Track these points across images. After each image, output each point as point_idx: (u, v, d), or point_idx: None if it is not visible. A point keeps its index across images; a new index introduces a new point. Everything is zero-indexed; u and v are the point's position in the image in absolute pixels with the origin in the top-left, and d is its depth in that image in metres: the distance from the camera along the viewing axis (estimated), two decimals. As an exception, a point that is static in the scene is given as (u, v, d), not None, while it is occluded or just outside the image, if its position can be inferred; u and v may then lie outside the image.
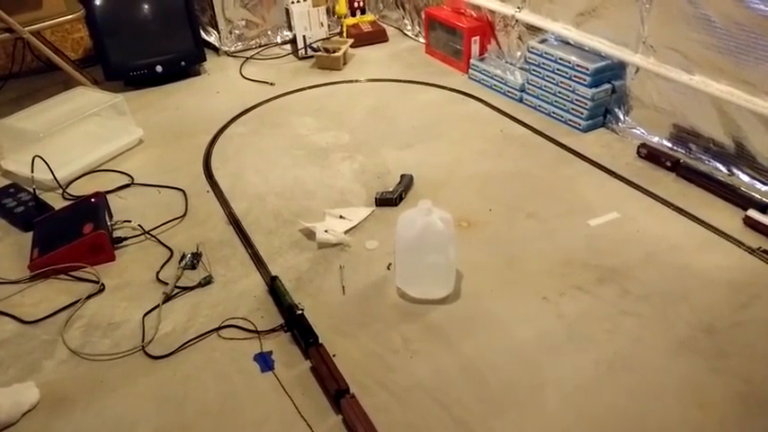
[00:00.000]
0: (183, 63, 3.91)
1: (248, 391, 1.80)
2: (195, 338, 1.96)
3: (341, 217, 2.57)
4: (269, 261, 2.32)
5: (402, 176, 2.81)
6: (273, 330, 1.99)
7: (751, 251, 2.33)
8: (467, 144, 3.15)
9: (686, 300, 2.11)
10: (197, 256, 2.30)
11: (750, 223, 2.45)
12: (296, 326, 1.95)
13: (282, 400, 1.76)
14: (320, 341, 1.90)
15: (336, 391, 1.72)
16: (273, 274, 2.22)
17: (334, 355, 1.88)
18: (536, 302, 2.13)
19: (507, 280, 2.24)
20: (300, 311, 2.00)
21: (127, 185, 2.81)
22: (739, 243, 2.37)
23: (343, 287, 2.20)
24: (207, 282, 2.19)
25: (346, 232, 2.47)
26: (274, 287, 2.12)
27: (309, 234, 2.45)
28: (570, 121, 3.28)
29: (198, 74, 4.06)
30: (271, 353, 1.92)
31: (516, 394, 1.79)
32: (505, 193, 2.74)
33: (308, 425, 1.68)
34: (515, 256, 2.35)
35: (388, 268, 2.27)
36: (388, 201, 2.64)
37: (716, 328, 1.99)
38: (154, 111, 3.56)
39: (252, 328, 2.00)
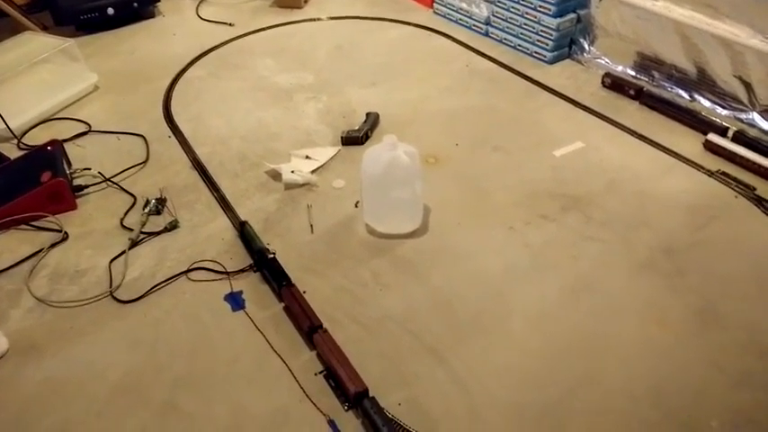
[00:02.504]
0: (135, 4, 3.73)
1: (220, 330, 1.81)
2: (164, 282, 1.95)
3: (307, 157, 2.54)
4: (236, 204, 2.29)
5: (368, 115, 2.77)
6: (243, 271, 2.00)
7: (710, 174, 2.38)
8: (433, 80, 3.10)
9: (647, 224, 2.17)
10: (161, 201, 2.27)
11: (710, 147, 2.49)
12: (267, 269, 1.95)
13: (255, 338, 1.78)
14: (292, 282, 1.91)
15: (310, 328, 1.74)
16: (242, 218, 2.21)
17: (304, 292, 1.90)
18: (503, 233, 2.16)
19: (474, 213, 2.26)
20: (272, 255, 1.99)
21: (84, 133, 2.73)
22: (699, 167, 2.42)
23: (312, 226, 2.19)
24: (173, 226, 2.17)
25: (313, 172, 2.44)
26: (244, 232, 2.11)
27: (276, 175, 2.43)
28: (536, 53, 3.25)
29: (152, 16, 3.88)
30: (241, 292, 1.93)
31: (484, 321, 1.84)
32: (472, 127, 2.73)
33: (282, 360, 1.71)
34: (482, 189, 2.37)
35: (356, 206, 2.27)
36: (354, 139, 2.62)
37: (675, 249, 2.06)
38: (108, 56, 3.41)
39: (221, 269, 2.00)
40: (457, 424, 1.56)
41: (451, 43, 3.46)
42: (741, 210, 2.23)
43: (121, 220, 2.21)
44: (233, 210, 2.26)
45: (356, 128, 2.68)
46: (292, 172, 2.41)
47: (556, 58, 3.22)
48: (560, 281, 1.96)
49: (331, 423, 1.55)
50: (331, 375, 1.66)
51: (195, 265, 2.02)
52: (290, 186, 2.38)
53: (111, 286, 1.95)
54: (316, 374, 1.67)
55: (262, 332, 1.79)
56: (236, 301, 1.90)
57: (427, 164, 2.47)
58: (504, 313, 1.86)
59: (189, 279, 1.98)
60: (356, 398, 1.55)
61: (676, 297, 1.89)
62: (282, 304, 1.87)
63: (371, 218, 2.17)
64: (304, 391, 1.62)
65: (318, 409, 1.58)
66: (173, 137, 2.68)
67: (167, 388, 1.65)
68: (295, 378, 1.66)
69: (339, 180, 2.41)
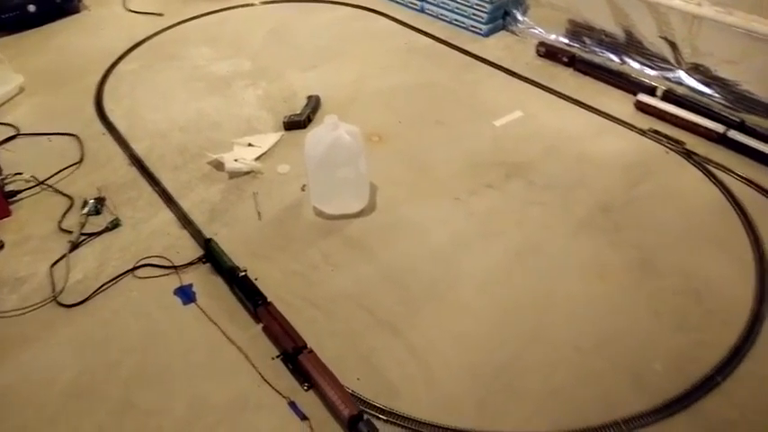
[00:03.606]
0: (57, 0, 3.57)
1: (172, 324, 1.79)
2: (109, 282, 1.91)
3: (250, 145, 2.51)
4: (179, 197, 2.25)
5: (309, 98, 2.75)
6: (191, 264, 1.97)
7: (642, 132, 2.48)
8: (372, 60, 3.10)
9: (585, 184, 2.24)
10: (100, 200, 2.20)
11: (641, 107, 2.59)
12: (240, 288, 1.83)
13: (208, 329, 1.77)
14: (268, 300, 1.78)
15: (294, 350, 1.63)
16: (185, 209, 2.17)
17: (256, 279, 1.89)
18: (449, 205, 2.20)
19: (420, 187, 2.29)
20: (243, 273, 1.88)
21: (13, 137, 2.61)
22: (632, 126, 2.51)
23: (259, 213, 2.18)
24: (114, 225, 2.12)
25: (257, 159, 2.42)
26: (210, 250, 1.97)
27: (219, 165, 2.39)
28: (472, 27, 3.28)
29: (77, 11, 3.72)
30: (191, 285, 1.90)
31: (435, 292, 1.88)
32: (413, 104, 2.75)
33: (237, 348, 1.71)
34: (427, 163, 2.40)
35: (303, 189, 2.26)
36: (296, 123, 2.60)
37: (612, 207, 2.14)
38: (33, 55, 3.26)
39: (168, 264, 1.97)
40: (416, 391, 1.59)
41: (389, 22, 3.46)
42: (672, 164, 2.33)
43: (59, 223, 2.14)
44: (176, 203, 2.22)
45: (298, 112, 2.66)
46: (236, 160, 2.38)
47: (491, 31, 3.26)
48: (506, 245, 2.02)
49: (291, 404, 1.56)
50: (297, 369, 1.63)
51: (141, 263, 1.98)
52: (235, 175, 2.35)
53: (54, 291, 1.89)
54: (273, 359, 1.68)
55: (215, 322, 1.78)
56: (186, 294, 1.88)
57: (371, 142, 2.48)
58: (455, 282, 1.90)
59: (135, 277, 1.94)
60: (351, 422, 1.47)
61: (615, 251, 1.97)
62: (260, 324, 1.76)
63: (318, 200, 2.17)
64: (262, 376, 1.62)
65: (278, 391, 1.59)
66: (107, 134, 2.60)
67: (122, 386, 1.63)
68: (252, 364, 1.66)
69: (284, 165, 2.40)
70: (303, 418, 1.53)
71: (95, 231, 2.09)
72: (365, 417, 1.50)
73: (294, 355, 1.63)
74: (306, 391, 1.59)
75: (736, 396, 1.55)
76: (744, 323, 1.73)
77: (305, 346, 1.65)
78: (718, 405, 1.53)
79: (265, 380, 1.61)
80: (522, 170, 2.33)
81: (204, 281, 1.92)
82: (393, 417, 1.53)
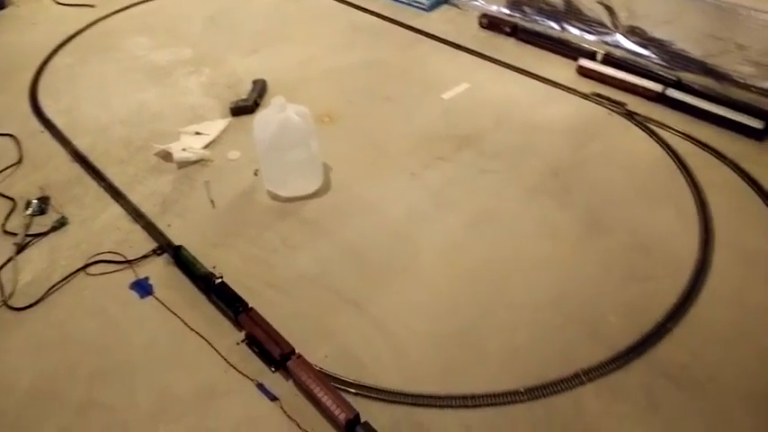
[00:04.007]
0: (-21, -5, 3.39)
1: (130, 319, 1.75)
2: (61, 281, 1.85)
3: (197, 133, 2.46)
4: (127, 191, 2.19)
5: (254, 82, 2.71)
6: (145, 257, 1.93)
7: (585, 96, 2.54)
8: (317, 41, 3.07)
9: (533, 150, 2.29)
10: (44, 200, 2.13)
11: (582, 72, 2.65)
12: (217, 296, 1.74)
13: (169, 320, 1.74)
14: (249, 306, 1.71)
15: (281, 356, 1.56)
16: (135, 203, 2.12)
17: (214, 267, 1.87)
18: (404, 180, 2.21)
19: (374, 164, 2.29)
20: (219, 279, 1.78)
21: (-57, 141, 2.48)
22: (575, 91, 2.57)
23: (212, 201, 2.14)
24: (61, 224, 2.05)
25: (205, 147, 2.37)
26: (181, 257, 1.87)
27: (166, 156, 2.34)
28: (415, 2, 3.28)
29: (3, 6, 3.53)
30: (147, 278, 1.87)
31: (395, 265, 1.90)
32: (362, 83, 2.74)
33: (200, 336, 1.69)
34: (379, 140, 2.40)
35: (255, 174, 2.24)
36: (243, 109, 2.55)
37: (561, 170, 2.20)
38: (-43, 55, 3.10)
39: (121, 259, 1.92)
40: (383, 363, 1.61)
41: (330, 1, 3.43)
42: (615, 125, 2.41)
43: (2, 225, 2.05)
44: (124, 197, 2.16)
45: (244, 97, 2.61)
46: (183, 150, 2.33)
47: (434, 5, 3.27)
48: (461, 215, 2.05)
49: (260, 386, 1.56)
50: (263, 351, 1.60)
51: (93, 259, 1.92)
52: (184, 165, 2.30)
53: (3, 295, 1.82)
54: (237, 344, 1.66)
55: (175, 313, 1.75)
56: (143, 287, 1.84)
57: (322, 123, 2.47)
58: (414, 254, 1.93)
59: (88, 274, 1.89)
60: (348, 426, 1.42)
61: (566, 213, 2.03)
62: (243, 332, 1.67)
63: (272, 183, 2.15)
64: (227, 362, 1.61)
65: (245, 375, 1.58)
66: (46, 131, 2.50)
67: (84, 385, 1.59)
68: (216, 351, 1.64)
69: (234, 151, 2.36)
70: (273, 398, 1.53)
71: (42, 231, 2.02)
72: (362, 420, 1.43)
73: (282, 362, 1.57)
74: (273, 372, 1.59)
75: (687, 340, 1.63)
76: (690, 271, 1.81)
77: (293, 352, 1.58)
78: (671, 350, 1.60)
79: (231, 365, 1.60)
80: (473, 141, 2.36)
81: (160, 272, 1.88)
82: (364, 389, 1.55)
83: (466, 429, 1.45)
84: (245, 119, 2.52)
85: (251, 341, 1.66)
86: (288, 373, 1.57)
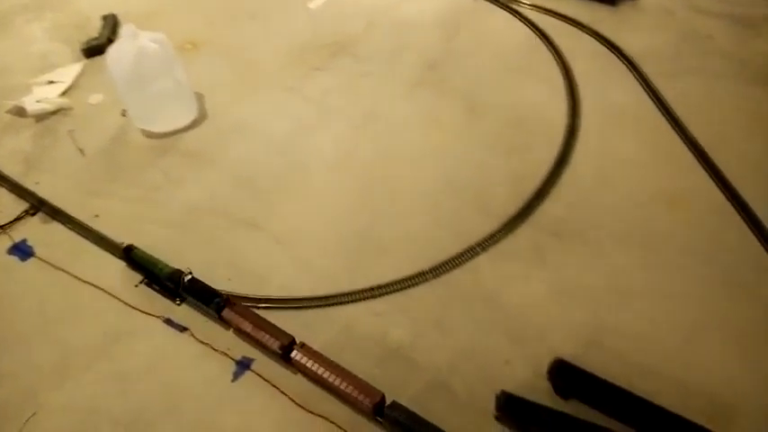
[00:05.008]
0: None
1: (15, 284, 1.65)
2: (-75, 260, 1.70)
3: (50, 82, 2.25)
4: (-18, 155, 2.00)
5: (104, 18, 2.49)
6: (19, 219, 1.79)
7: (449, -13, 2.55)
8: (164, -35, 2.84)
9: (407, 47, 2.30)
10: None
11: (444, -38, 2.64)
12: (191, 295, 1.54)
13: (57, 277, 1.64)
14: (231, 300, 1.50)
15: (283, 349, 1.39)
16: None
17: (96, 216, 1.77)
18: (282, 95, 2.16)
19: (249, 85, 2.21)
20: (189, 275, 1.55)
21: None
22: (439, -17, 2.57)
23: (81, 150, 2.00)
24: None
25: (62, 95, 2.19)
26: (134, 258, 1.63)
27: (20, 111, 2.13)
28: None
29: None
30: (25, 240, 1.74)
31: (287, 180, 1.88)
32: (221, 4, 2.60)
33: (94, 286, 1.61)
34: (250, 60, 2.31)
35: (123, 115, 2.10)
36: (96, 48, 2.35)
37: (436, 62, 2.22)
38: None
39: (-10, 225, 1.78)
40: (287, 273, 1.62)
41: None
42: (482, 11, 2.44)
43: None
44: (-19, 161, 1.97)
45: (95, 35, 2.41)
46: (38, 102, 2.14)
47: None
48: (346, 121, 2.04)
49: (167, 321, 1.53)
50: (165, 288, 1.55)
51: (-44, 232, 1.77)
52: (41, 117, 2.12)
53: None
54: (136, 286, 1.61)
55: (62, 269, 1.66)
56: (21, 250, 1.72)
57: (185, 51, 2.33)
58: (304, 166, 1.91)
59: (-46, 249, 1.74)
60: (376, 410, 1.29)
61: (445, 101, 2.08)
62: (230, 329, 1.50)
63: (143, 121, 2.03)
64: (129, 305, 1.56)
65: (149, 314, 1.55)
66: None
67: (-23, 360, 1.50)
68: (115, 297, 1.59)
69: (95, 95, 2.20)
70: (182, 329, 1.51)
71: None
72: (391, 401, 1.29)
73: (285, 354, 1.40)
74: (178, 305, 1.56)
75: (564, 197, 1.75)
76: (562, 137, 1.92)
77: (294, 342, 1.42)
78: (551, 208, 1.72)
79: (133, 307, 1.56)
80: (346, 46, 2.32)
81: (38, 232, 1.77)
82: (272, 302, 1.56)
83: (376, 316, 1.51)
84: (101, 59, 2.31)
85: (150, 280, 1.61)
86: (294, 367, 1.40)
